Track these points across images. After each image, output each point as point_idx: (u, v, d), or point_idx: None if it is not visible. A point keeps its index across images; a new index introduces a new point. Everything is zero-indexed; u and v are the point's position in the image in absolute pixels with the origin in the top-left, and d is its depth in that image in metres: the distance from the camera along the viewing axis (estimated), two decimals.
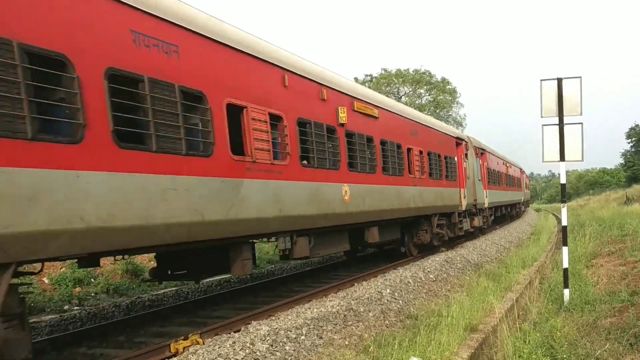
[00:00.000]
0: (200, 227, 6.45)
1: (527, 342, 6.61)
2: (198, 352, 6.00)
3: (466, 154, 19.56)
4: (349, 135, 10.31)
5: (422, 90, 53.34)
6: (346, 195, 9.89)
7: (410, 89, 52.95)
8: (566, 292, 9.11)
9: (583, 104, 8.98)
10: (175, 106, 6.14)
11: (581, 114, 9.02)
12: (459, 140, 18.88)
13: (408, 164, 13.48)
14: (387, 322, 8.14)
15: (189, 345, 6.46)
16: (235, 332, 7.05)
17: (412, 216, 13.87)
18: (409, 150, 13.64)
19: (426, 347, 6.14)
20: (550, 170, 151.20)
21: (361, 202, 10.55)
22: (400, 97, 50.72)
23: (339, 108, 9.97)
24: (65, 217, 4.77)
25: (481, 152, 22.65)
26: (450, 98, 53.14)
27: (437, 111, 51.58)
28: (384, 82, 51.32)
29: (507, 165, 32.48)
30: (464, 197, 18.33)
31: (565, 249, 9.45)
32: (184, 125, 6.23)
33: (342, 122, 9.97)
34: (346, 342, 6.94)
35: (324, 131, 9.37)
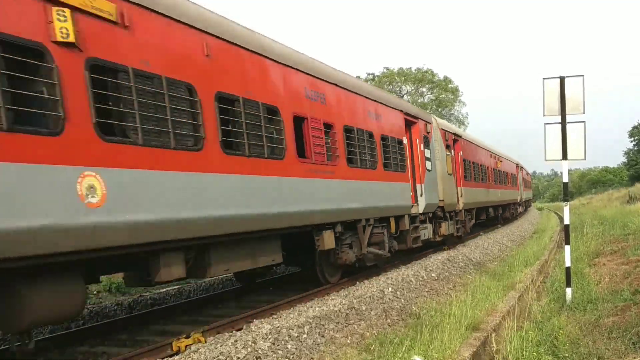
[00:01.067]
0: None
1: (529, 341, 6.60)
2: (200, 350, 6.01)
3: (426, 138, 14.74)
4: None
5: (424, 89, 53.38)
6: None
7: (413, 88, 52.99)
8: (568, 290, 9.09)
9: (585, 102, 8.96)
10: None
11: (584, 113, 8.99)
12: (411, 118, 13.80)
13: (298, 140, 8.81)
14: (389, 320, 8.14)
15: (191, 344, 6.47)
16: (237, 330, 7.06)
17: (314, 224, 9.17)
18: (300, 120, 8.93)
19: (428, 345, 6.13)
20: (552, 169, 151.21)
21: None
22: (403, 96, 50.71)
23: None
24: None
25: (453, 138, 18.22)
26: (452, 97, 53.15)
27: (440, 110, 51.57)
28: (386, 80, 51.35)
29: (497, 158, 27.72)
30: (421, 195, 13.73)
31: (567, 248, 9.43)
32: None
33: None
34: (348, 341, 6.94)
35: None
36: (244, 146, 7.32)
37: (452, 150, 17.82)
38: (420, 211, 13.63)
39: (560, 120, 9.05)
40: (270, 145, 7.93)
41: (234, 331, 7.01)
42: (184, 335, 6.67)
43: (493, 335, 7.01)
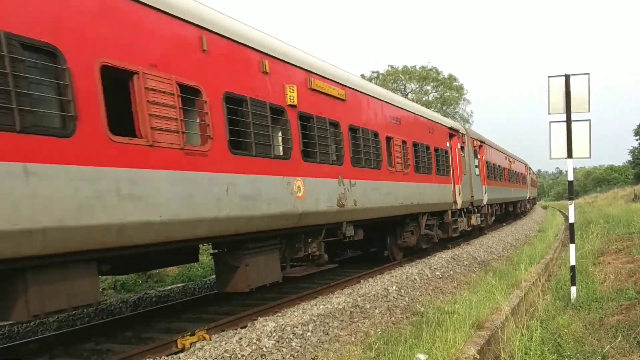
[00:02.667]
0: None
1: (533, 339, 6.59)
2: (205, 347, 6.03)
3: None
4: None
5: (428, 87, 53.26)
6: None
7: (417, 86, 52.87)
8: (573, 289, 9.08)
9: (591, 100, 8.94)
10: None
11: (589, 111, 8.97)
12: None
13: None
14: (393, 319, 8.16)
15: (196, 341, 6.49)
16: (241, 328, 7.09)
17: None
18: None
19: (432, 344, 6.14)
20: (557, 168, 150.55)
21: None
22: (407, 94, 50.63)
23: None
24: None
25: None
26: (457, 95, 53.02)
27: (444, 108, 51.47)
28: (391, 78, 51.25)
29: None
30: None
31: (572, 246, 9.41)
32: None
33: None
34: (352, 339, 6.95)
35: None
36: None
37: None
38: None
39: (565, 119, 9.03)
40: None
41: (238, 329, 7.03)
42: (189, 333, 6.70)
43: (497, 333, 7.02)
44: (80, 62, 5.06)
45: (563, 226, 26.18)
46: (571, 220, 9.55)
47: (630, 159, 76.73)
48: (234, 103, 7.15)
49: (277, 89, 8.11)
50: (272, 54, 8.05)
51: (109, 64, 5.37)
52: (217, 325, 7.23)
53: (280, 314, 7.79)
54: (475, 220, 18.71)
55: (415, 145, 13.38)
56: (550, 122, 9.17)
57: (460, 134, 17.98)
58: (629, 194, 50.16)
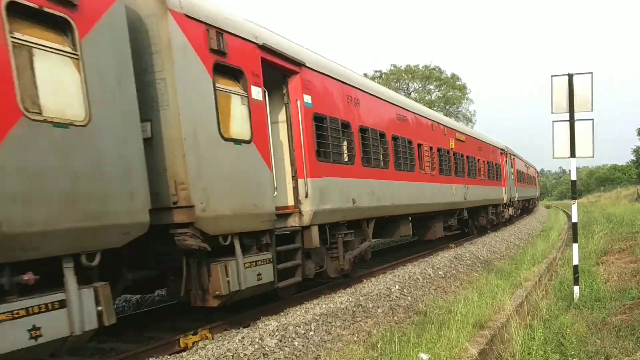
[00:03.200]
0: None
1: (536, 339, 6.59)
2: (207, 347, 6.04)
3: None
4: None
5: (431, 86, 53.22)
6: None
7: (420, 85, 52.84)
8: (576, 289, 9.06)
9: (594, 99, 8.91)
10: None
11: (592, 110, 8.94)
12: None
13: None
14: (395, 318, 8.15)
15: (199, 340, 6.50)
16: (244, 327, 7.09)
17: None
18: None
19: (435, 343, 6.13)
20: (560, 167, 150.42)
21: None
22: (410, 93, 50.60)
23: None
24: None
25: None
26: (460, 94, 52.95)
27: (447, 107, 51.43)
28: (394, 77, 51.21)
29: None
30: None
31: (575, 246, 9.39)
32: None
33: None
34: (355, 338, 6.95)
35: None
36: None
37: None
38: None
39: (568, 118, 9.00)
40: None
41: (241, 328, 7.04)
42: (191, 332, 6.70)
43: (500, 333, 7.01)
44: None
45: (566, 225, 26.14)
46: (574, 219, 9.53)
47: (634, 158, 76.54)
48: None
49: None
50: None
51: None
52: (220, 324, 7.24)
53: (282, 313, 7.79)
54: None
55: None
56: (553, 121, 9.14)
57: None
58: (632, 194, 50.08)
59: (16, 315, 4.16)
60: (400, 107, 13.09)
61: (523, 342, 6.42)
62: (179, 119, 5.93)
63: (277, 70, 8.23)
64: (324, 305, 8.01)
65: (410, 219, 14.00)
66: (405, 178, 12.70)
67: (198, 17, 6.27)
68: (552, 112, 9.12)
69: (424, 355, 5.77)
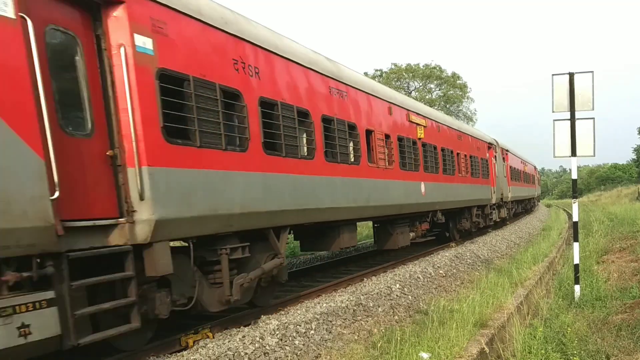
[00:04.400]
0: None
1: (537, 338, 6.59)
2: (208, 345, 6.04)
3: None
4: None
5: (432, 85, 53.12)
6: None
7: (421, 84, 52.75)
8: (577, 288, 9.06)
9: (595, 98, 8.90)
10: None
11: (593, 109, 8.93)
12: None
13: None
14: (396, 317, 8.15)
15: (199, 339, 6.51)
16: (245, 326, 7.09)
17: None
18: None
19: (436, 342, 6.14)
20: (561, 166, 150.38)
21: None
22: (411, 92, 50.53)
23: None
24: None
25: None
26: (460, 93, 52.86)
27: (448, 106, 51.36)
28: (394, 76, 51.14)
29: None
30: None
31: (576, 245, 9.39)
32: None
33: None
34: (355, 337, 6.95)
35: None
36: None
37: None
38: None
39: (569, 117, 8.99)
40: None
41: (241, 327, 7.04)
42: (192, 331, 6.71)
43: (501, 332, 7.01)
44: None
45: (567, 224, 26.12)
46: (575, 218, 9.52)
47: (635, 157, 76.49)
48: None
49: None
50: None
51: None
52: (221, 323, 7.24)
53: (283, 312, 7.80)
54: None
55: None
56: (554, 120, 9.13)
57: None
58: (633, 193, 50.07)
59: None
60: (337, 80, 9.79)
61: (524, 341, 6.42)
62: None
63: None
64: (324, 304, 8.01)
65: (372, 224, 13.29)
66: (344, 173, 9.71)
67: None
68: (553, 111, 9.11)
69: (424, 355, 5.77)
